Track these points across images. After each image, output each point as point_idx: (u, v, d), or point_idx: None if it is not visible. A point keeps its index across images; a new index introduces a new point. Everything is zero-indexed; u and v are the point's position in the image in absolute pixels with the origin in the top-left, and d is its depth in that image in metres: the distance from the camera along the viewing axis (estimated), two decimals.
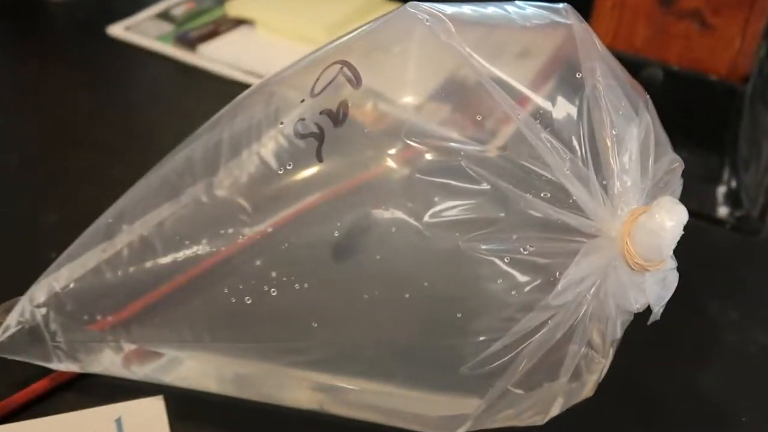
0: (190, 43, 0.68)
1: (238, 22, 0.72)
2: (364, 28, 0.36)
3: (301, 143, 0.34)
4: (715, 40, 0.56)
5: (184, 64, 0.66)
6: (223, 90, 0.42)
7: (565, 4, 0.35)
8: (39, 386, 0.39)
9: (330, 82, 0.34)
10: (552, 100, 0.33)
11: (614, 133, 0.33)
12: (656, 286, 0.33)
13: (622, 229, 0.32)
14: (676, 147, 0.35)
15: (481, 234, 0.32)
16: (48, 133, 0.58)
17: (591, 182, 0.32)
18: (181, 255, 0.36)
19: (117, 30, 0.70)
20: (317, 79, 0.35)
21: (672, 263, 0.34)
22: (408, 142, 0.33)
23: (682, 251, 0.33)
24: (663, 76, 0.57)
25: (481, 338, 0.32)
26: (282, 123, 0.35)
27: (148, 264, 0.37)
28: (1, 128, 0.59)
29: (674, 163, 0.35)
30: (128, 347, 0.38)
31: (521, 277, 0.32)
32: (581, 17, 0.35)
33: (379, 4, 0.72)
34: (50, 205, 0.51)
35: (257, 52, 0.68)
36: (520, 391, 0.33)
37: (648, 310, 0.34)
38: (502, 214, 0.32)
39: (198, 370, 0.38)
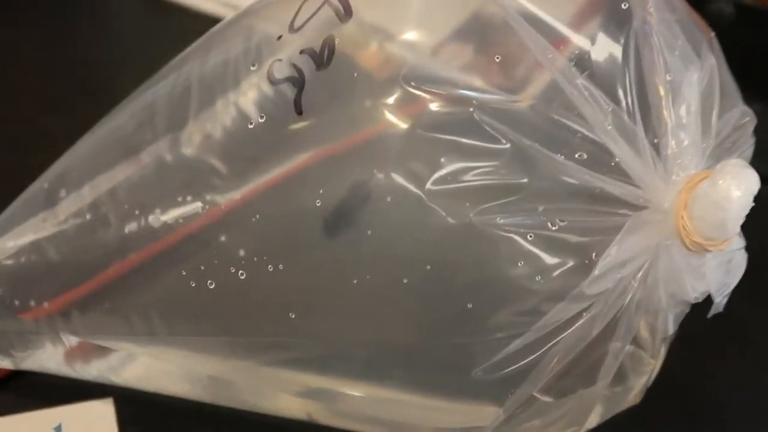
0: None
1: None
2: None
3: (280, 90, 0.33)
4: None
5: None
6: (199, 29, 0.40)
7: None
8: None
9: (313, 14, 0.33)
10: (590, 36, 0.32)
11: (669, 78, 0.31)
12: (719, 271, 0.33)
13: (678, 199, 0.31)
14: (747, 98, 0.35)
15: (499, 204, 0.31)
16: None
17: (639, 140, 0.31)
18: (139, 228, 0.35)
19: None
20: (298, 10, 0.34)
21: (739, 242, 0.33)
22: (407, 87, 0.31)
23: (751, 227, 0.32)
24: (733, 10, 0.55)
25: (499, 335, 0.32)
26: (254, 66, 0.34)
27: (97, 239, 0.36)
28: None
29: (744, 117, 0.34)
30: (71, 341, 0.37)
31: (549, 259, 0.31)
32: None
33: None
34: None
35: None
36: (548, 399, 0.33)
37: (708, 300, 0.33)
38: (525, 180, 0.31)
39: (157, 369, 0.38)
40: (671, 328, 0.34)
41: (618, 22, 0.32)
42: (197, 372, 0.38)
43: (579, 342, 0.32)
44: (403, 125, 0.31)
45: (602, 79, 0.31)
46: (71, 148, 0.39)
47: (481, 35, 0.33)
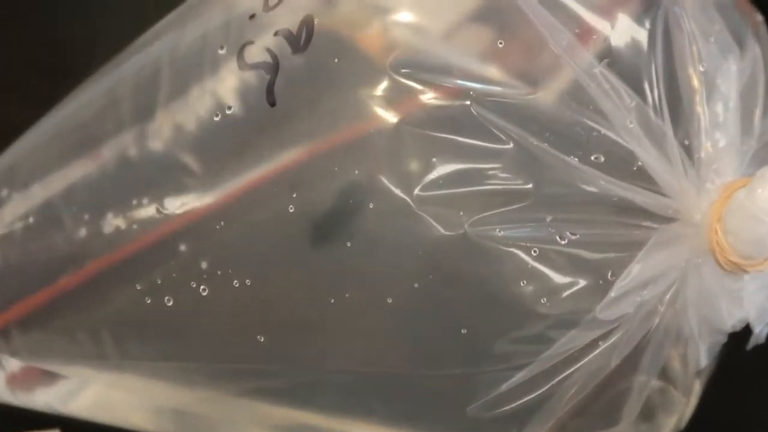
0: None
1: None
2: None
3: (263, 79, 0.33)
4: None
5: None
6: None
7: None
8: None
9: None
10: (611, 19, 0.32)
11: (702, 69, 0.32)
12: (759, 295, 0.33)
13: (711, 210, 0.31)
14: None
15: (499, 214, 0.31)
16: None
17: (667, 141, 0.31)
18: (97, 234, 0.35)
19: None
20: None
21: None
22: (395, 76, 0.31)
23: None
24: None
25: (499, 365, 0.31)
26: (222, 49, 0.34)
27: (48, 246, 0.36)
28: None
29: None
30: (12, 365, 0.37)
31: (557, 278, 0.31)
32: None
33: None
34: None
35: None
36: None
37: (748, 329, 0.33)
38: (531, 186, 0.31)
39: (112, 398, 0.38)
40: (704, 360, 0.34)
41: (644, 2, 0.32)
42: (156, 401, 0.37)
43: (596, 375, 0.32)
44: (391, 120, 0.31)
45: (624, 68, 0.31)
46: (18, 140, 0.39)
47: (498, 20, 0.32)
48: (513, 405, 0.32)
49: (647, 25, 0.32)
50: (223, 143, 0.34)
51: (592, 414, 0.33)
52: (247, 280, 0.33)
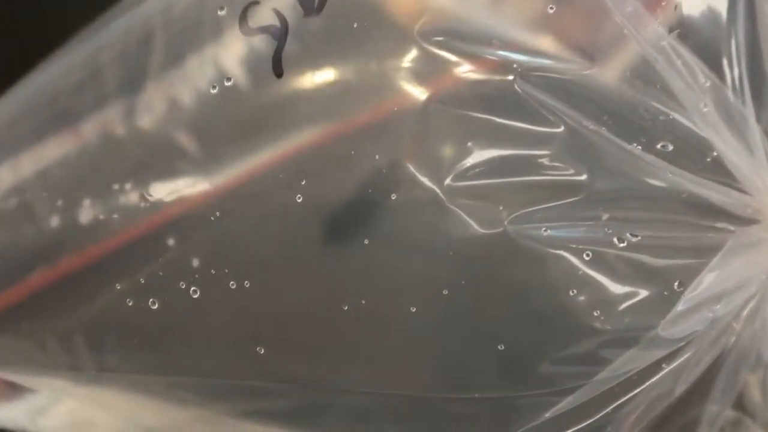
0: None
1: None
2: None
3: (255, 44, 0.33)
4: None
5: None
6: None
7: None
8: None
9: None
10: None
11: None
12: None
13: None
14: None
15: (545, 209, 0.31)
16: None
17: (748, 128, 0.31)
18: (75, 224, 0.35)
19: None
20: None
21: None
22: (426, 46, 0.31)
23: None
24: None
25: (542, 389, 0.32)
26: (222, 10, 0.34)
27: (17, 239, 0.37)
28: None
29: None
30: None
31: (613, 287, 0.31)
32: None
33: None
34: None
35: None
36: None
37: None
38: (585, 177, 0.31)
39: (88, 416, 0.38)
40: None
41: None
42: (141, 421, 0.38)
43: (657, 403, 0.32)
44: (419, 97, 0.31)
45: (699, 41, 0.31)
46: None
47: None
48: None
49: None
50: (222, 121, 0.34)
51: None
52: (246, 282, 0.33)
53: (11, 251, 0.37)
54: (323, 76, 0.33)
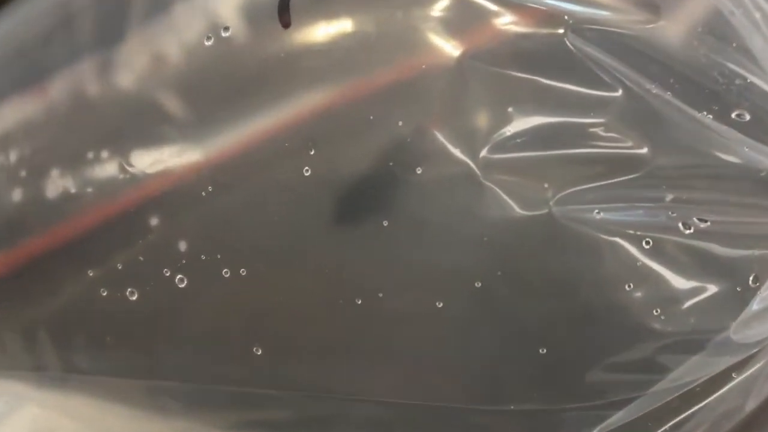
0: None
1: None
2: None
3: None
4: None
5: None
6: None
7: None
8: None
9: None
10: None
11: None
12: None
13: None
14: None
15: (598, 188, 0.31)
16: None
17: None
18: (40, 199, 0.35)
19: None
20: None
21: None
22: None
23: None
24: None
25: (589, 402, 0.32)
26: None
27: None
28: None
29: None
30: None
31: (678, 282, 0.31)
32: None
33: None
34: None
35: None
36: None
37: None
38: (645, 150, 0.31)
39: (52, 426, 0.39)
40: None
41: None
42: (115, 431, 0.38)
43: (725, 421, 0.33)
44: (452, 53, 0.31)
45: None
46: None
47: None
48: None
49: None
50: (216, 79, 0.34)
51: None
52: (242, 270, 0.33)
53: None
54: (338, 26, 0.33)
